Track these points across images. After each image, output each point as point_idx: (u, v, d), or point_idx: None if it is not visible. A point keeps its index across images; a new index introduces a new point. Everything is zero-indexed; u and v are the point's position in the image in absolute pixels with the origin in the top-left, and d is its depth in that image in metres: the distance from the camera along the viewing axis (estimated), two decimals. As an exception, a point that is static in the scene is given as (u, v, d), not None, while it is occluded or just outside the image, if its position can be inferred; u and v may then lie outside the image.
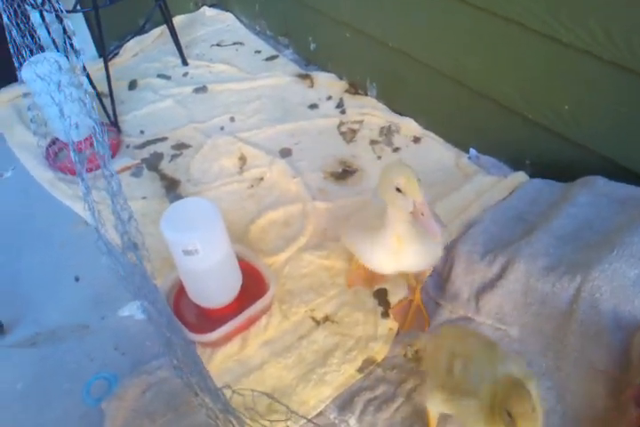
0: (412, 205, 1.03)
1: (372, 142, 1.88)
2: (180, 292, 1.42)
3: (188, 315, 1.39)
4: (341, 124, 1.96)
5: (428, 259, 1.21)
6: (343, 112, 2.00)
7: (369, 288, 1.42)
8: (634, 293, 1.10)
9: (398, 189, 1.03)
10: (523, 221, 1.41)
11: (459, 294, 1.36)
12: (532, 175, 1.59)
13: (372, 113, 1.97)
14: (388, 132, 1.91)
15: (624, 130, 1.34)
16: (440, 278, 1.41)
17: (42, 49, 1.65)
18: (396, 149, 1.84)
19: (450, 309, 1.36)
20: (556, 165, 1.56)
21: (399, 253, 1.16)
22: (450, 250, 1.39)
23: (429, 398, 1.05)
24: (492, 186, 1.58)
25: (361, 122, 1.96)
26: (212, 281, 1.30)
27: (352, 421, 1.19)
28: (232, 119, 2.01)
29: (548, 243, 1.28)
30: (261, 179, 1.78)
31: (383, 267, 1.21)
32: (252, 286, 1.40)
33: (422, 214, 1.02)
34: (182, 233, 1.20)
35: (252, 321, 1.37)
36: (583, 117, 1.41)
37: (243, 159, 1.85)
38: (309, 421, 1.17)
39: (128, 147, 1.93)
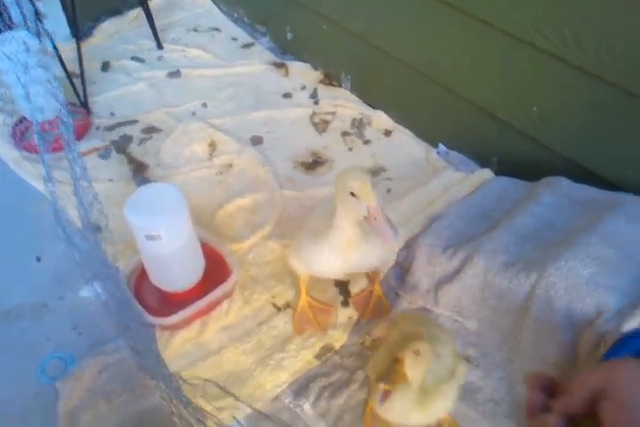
0: (366, 209, 1.03)
1: (344, 134, 1.89)
2: (141, 275, 1.42)
3: (149, 298, 1.39)
4: (314, 114, 1.96)
5: (376, 259, 1.22)
6: (317, 102, 2.01)
7: (321, 332, 1.34)
8: (586, 291, 1.13)
9: (352, 194, 1.03)
10: (487, 218, 1.44)
11: (418, 285, 1.38)
12: (498, 173, 1.61)
13: (344, 105, 1.98)
14: (359, 125, 1.92)
15: (589, 134, 1.37)
16: (401, 270, 1.43)
17: (11, 28, 1.63)
18: (367, 142, 1.85)
19: (409, 299, 1.39)
20: (523, 164, 1.58)
21: (347, 254, 1.16)
22: (412, 243, 1.41)
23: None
24: (458, 182, 1.60)
25: (334, 113, 1.96)
26: (174, 266, 1.30)
27: (306, 406, 1.20)
28: (204, 105, 2.00)
29: (508, 240, 1.31)
30: (230, 166, 1.78)
31: (331, 268, 1.20)
32: (216, 271, 1.41)
33: (375, 219, 1.03)
34: (146, 218, 1.20)
35: (212, 306, 1.37)
36: (551, 120, 1.43)
37: (213, 146, 1.85)
38: (254, 409, 1.18)
39: (98, 128, 1.91)
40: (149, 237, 1.22)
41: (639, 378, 0.49)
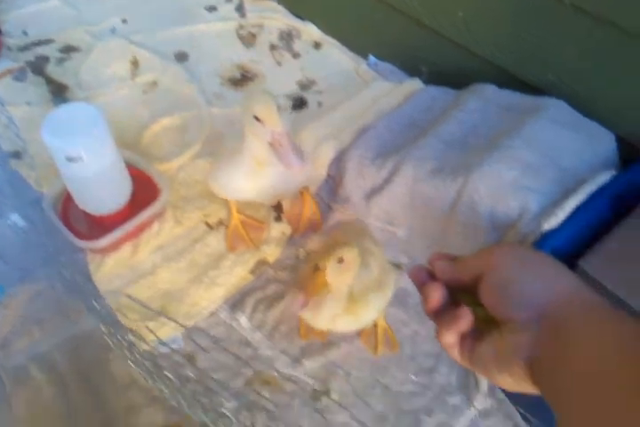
0: (271, 135, 0.99)
1: (272, 47, 1.83)
2: (68, 199, 1.38)
3: (78, 223, 1.36)
4: (240, 27, 1.89)
5: (299, 180, 1.20)
6: (243, 15, 1.92)
7: (254, 248, 1.33)
8: (509, 194, 1.15)
9: (257, 118, 0.99)
10: (415, 128, 1.43)
11: (350, 197, 1.38)
12: (428, 82, 1.60)
13: (272, 17, 1.90)
14: (288, 37, 1.85)
15: (515, 39, 1.35)
16: (333, 183, 1.43)
17: None
18: (297, 55, 1.80)
19: (341, 211, 1.40)
20: (452, 72, 1.57)
21: (260, 176, 1.13)
22: (342, 156, 1.40)
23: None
24: (387, 92, 1.58)
25: (261, 26, 1.89)
26: (99, 188, 1.27)
27: (243, 319, 1.23)
28: (124, 21, 1.90)
29: (436, 148, 1.31)
30: (155, 84, 1.72)
31: (245, 191, 1.18)
32: (144, 192, 1.38)
33: (280, 145, 0.99)
34: (64, 139, 1.15)
35: (143, 227, 1.36)
36: (476, 25, 1.41)
37: (135, 64, 1.77)
38: (183, 326, 1.18)
39: (10, 49, 1.80)
40: (70, 159, 1.18)
41: (513, 260, 0.50)
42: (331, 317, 1.00)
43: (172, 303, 1.26)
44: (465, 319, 0.50)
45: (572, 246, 1.11)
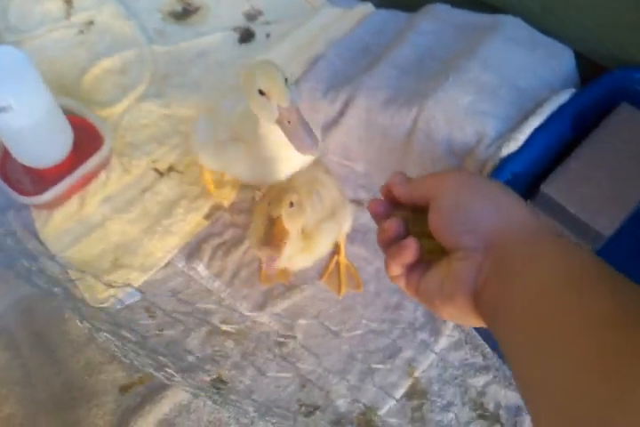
0: (278, 110, 0.84)
1: (214, -24, 1.70)
2: (6, 154, 1.30)
3: (19, 178, 1.29)
4: (178, -45, 1.75)
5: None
6: (180, -58, 1.78)
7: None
8: (465, 120, 1.10)
9: (262, 93, 0.85)
10: (368, 54, 1.35)
11: (304, 133, 1.32)
12: (379, 6, 1.50)
13: (211, -58, 1.77)
14: (230, -36, 1.73)
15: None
16: (285, 119, 1.36)
17: None
18: (241, -17, 1.68)
19: (296, 150, 1.34)
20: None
21: (288, 161, 0.98)
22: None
23: None
24: (337, 18, 1.49)
25: (200, -48, 1.76)
26: (36, 139, 1.19)
27: (200, 267, 1.18)
28: (52, -45, 1.75)
29: (389, 74, 1.24)
30: (91, 23, 1.60)
31: (275, 177, 1.01)
32: (87, 141, 1.30)
33: (289, 122, 0.84)
34: (-11, 87, 1.07)
35: (89, 178, 1.29)
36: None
37: (69, 1, 1.64)
38: (128, 285, 1.13)
39: None
40: (-1, 110, 1.10)
41: (462, 186, 0.47)
42: (287, 257, 0.96)
43: (126, 256, 1.21)
44: (409, 250, 0.48)
45: (533, 171, 1.07)
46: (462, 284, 0.43)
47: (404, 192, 0.52)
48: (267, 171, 0.99)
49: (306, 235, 0.96)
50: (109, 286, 1.14)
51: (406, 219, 0.52)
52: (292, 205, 0.88)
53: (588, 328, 0.35)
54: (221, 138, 1.04)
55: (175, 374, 0.93)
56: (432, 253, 0.49)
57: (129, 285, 1.16)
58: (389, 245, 0.50)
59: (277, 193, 0.90)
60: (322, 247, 0.99)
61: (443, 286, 0.45)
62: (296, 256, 0.98)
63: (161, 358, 0.93)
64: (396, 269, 0.50)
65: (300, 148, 0.85)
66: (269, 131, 0.91)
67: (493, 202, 0.46)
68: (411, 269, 0.49)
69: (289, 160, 0.97)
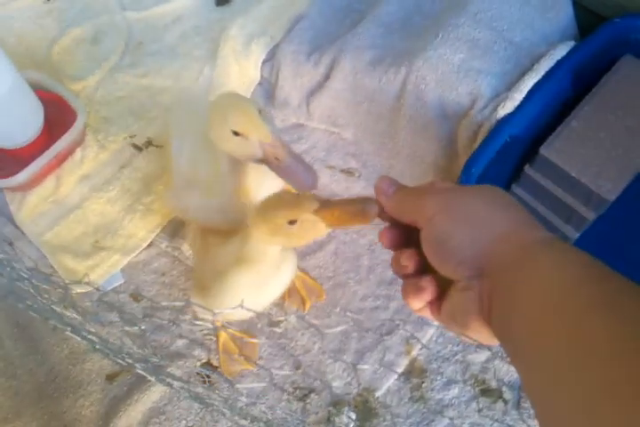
0: (260, 149, 0.74)
1: None
2: (-26, 136, 1.23)
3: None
4: None
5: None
6: None
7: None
8: (458, 79, 1.02)
9: (236, 133, 0.74)
10: (352, 11, 1.27)
11: (288, 100, 1.24)
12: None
13: None
14: None
15: None
16: (268, 85, 1.29)
17: None
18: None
19: (281, 117, 1.26)
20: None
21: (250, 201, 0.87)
22: (275, 52, 1.25)
23: None
24: (320, -26, 1.40)
25: None
26: (2, 118, 1.12)
27: (184, 247, 1.13)
28: None
29: (375, 33, 1.16)
30: (59, -11, 1.51)
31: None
32: (59, 117, 1.23)
33: (277, 159, 0.74)
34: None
35: (63, 157, 1.22)
36: None
37: (34, -33, 1.55)
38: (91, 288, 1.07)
39: None
40: (-42, 89, 1.03)
41: (442, 213, 0.44)
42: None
43: (107, 237, 1.15)
44: (427, 292, 0.47)
45: (531, 132, 1.00)
46: (470, 314, 0.42)
47: (391, 207, 0.49)
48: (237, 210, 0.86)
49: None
50: (92, 269, 1.10)
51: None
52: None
53: (590, 341, 0.33)
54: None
55: (159, 362, 0.88)
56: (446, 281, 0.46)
57: (112, 268, 1.12)
58: (407, 277, 0.49)
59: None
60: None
61: (456, 318, 0.44)
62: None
63: (139, 351, 0.87)
64: (417, 305, 0.48)
65: (297, 184, 0.75)
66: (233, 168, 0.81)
67: (473, 225, 0.43)
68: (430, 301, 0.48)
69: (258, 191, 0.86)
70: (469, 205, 0.44)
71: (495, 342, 0.43)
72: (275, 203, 0.63)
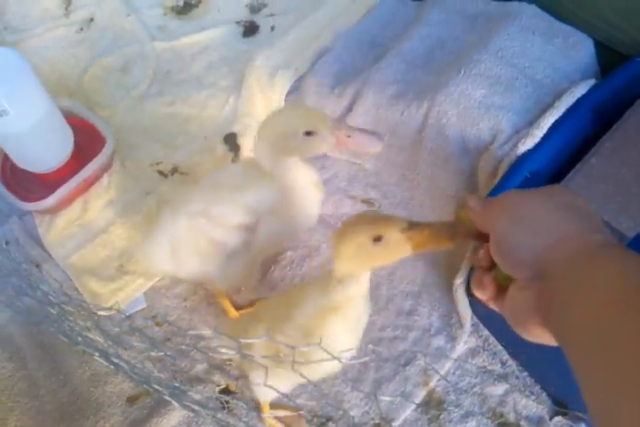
0: (332, 138, 0.82)
1: (216, -33, 1.65)
2: (6, 159, 1.27)
3: (22, 182, 1.26)
4: (178, -53, 1.70)
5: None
6: None
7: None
8: (479, 115, 1.04)
9: (308, 133, 0.81)
10: (376, 47, 1.30)
11: (311, 131, 1.27)
12: (387, -6, 1.44)
13: None
14: (232, -45, 1.67)
15: None
16: (292, 116, 1.31)
17: None
18: (243, -24, 1.63)
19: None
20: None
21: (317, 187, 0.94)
22: (300, 84, 1.28)
23: None
24: (344, 9, 1.43)
25: (201, -56, 1.70)
26: (35, 144, 1.16)
27: (207, 273, 1.15)
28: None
29: (397, 68, 1.19)
30: (91, 20, 1.56)
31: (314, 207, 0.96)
32: (88, 143, 1.27)
33: (349, 137, 0.83)
34: (-18, 92, 1.04)
35: (91, 182, 1.25)
36: None
37: (67, -2, 1.60)
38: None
39: None
40: (-6, 114, 1.06)
41: (507, 217, 0.47)
42: None
43: (131, 261, 1.17)
44: (487, 289, 0.50)
45: (551, 168, 1.01)
46: (528, 313, 0.44)
47: (478, 219, 0.51)
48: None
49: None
50: (115, 293, 1.11)
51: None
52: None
53: None
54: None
55: (176, 387, 0.89)
56: (509, 280, 0.48)
57: (135, 291, 1.13)
58: (479, 269, 0.52)
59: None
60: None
61: (515, 315, 0.46)
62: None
63: (160, 375, 0.89)
64: (482, 297, 0.51)
65: (371, 145, 0.84)
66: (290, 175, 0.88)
67: (531, 226, 0.45)
68: (496, 295, 0.50)
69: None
70: (530, 208, 0.46)
71: (551, 344, 0.44)
72: (360, 220, 0.63)
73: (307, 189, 0.91)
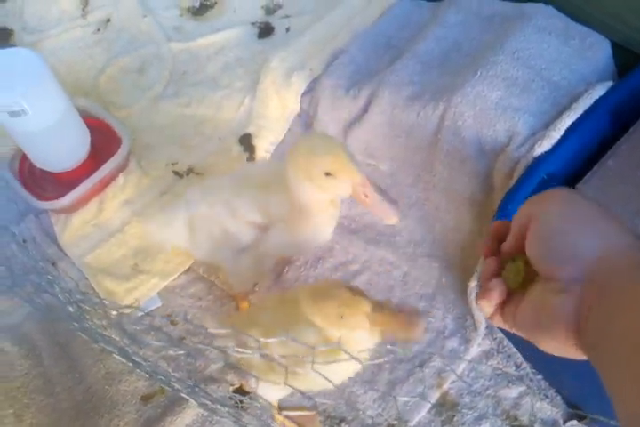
0: (349, 188, 0.82)
1: (232, -31, 1.66)
2: (24, 159, 1.28)
3: (39, 182, 1.27)
4: (195, -51, 1.71)
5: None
6: None
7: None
8: (495, 116, 1.04)
9: (327, 174, 0.81)
10: (391, 48, 1.30)
11: (326, 132, 1.27)
12: (402, -5, 1.44)
13: None
14: (248, -44, 1.68)
15: None
16: (307, 117, 1.32)
17: None
18: (257, -23, 1.63)
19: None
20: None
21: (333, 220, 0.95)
22: (315, 86, 1.28)
23: None
24: (360, 10, 1.43)
25: (217, -55, 1.71)
26: (52, 143, 1.17)
27: (221, 273, 1.15)
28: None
29: (413, 70, 1.19)
30: (108, 21, 1.57)
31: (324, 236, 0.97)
32: (105, 143, 1.28)
33: (366, 196, 0.82)
34: (2, 92, 1.05)
35: (107, 181, 1.26)
36: None
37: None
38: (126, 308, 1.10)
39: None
40: (13, 114, 1.07)
41: (562, 209, 0.44)
42: None
43: (146, 261, 1.18)
44: (496, 292, 0.48)
45: (568, 170, 1.01)
46: (561, 319, 0.41)
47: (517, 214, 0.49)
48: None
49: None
50: (130, 292, 1.12)
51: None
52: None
53: None
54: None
55: (194, 385, 0.89)
56: (528, 281, 0.47)
57: (150, 291, 1.14)
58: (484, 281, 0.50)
59: None
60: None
61: (540, 321, 0.43)
62: None
63: (174, 374, 0.89)
64: (488, 308, 0.49)
65: (385, 217, 0.85)
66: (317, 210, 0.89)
67: (593, 228, 0.43)
68: (506, 301, 0.48)
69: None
70: (589, 209, 0.44)
71: (570, 355, 0.43)
72: (331, 295, 0.70)
73: (322, 212, 0.90)
